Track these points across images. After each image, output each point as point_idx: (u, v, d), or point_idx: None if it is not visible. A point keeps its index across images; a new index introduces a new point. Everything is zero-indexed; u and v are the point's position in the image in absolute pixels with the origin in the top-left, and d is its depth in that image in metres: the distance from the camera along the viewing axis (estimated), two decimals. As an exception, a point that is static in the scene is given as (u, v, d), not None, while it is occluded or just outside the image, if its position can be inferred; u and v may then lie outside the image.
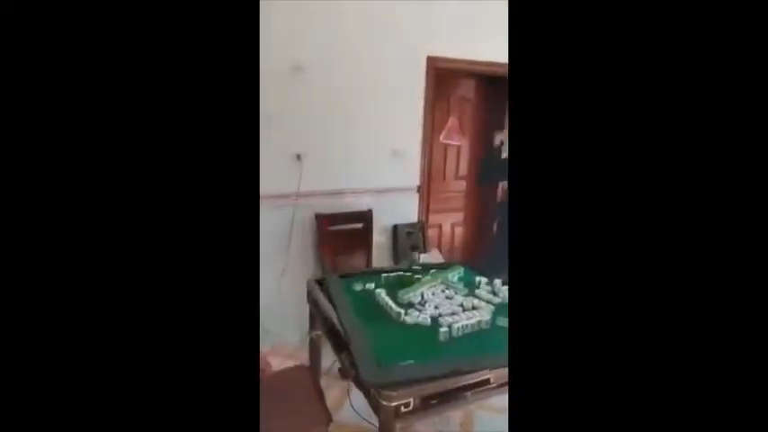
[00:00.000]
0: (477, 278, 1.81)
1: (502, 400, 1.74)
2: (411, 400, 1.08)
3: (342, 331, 1.36)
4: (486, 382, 1.20)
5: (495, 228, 2.29)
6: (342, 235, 2.47)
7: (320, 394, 1.40)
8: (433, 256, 2.78)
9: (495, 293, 1.68)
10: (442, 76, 2.89)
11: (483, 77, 3.20)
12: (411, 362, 1.19)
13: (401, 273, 1.90)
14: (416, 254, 2.77)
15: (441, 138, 3.21)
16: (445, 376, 1.14)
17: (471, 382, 1.18)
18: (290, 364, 1.69)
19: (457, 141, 3.30)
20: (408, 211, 2.92)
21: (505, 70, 3.00)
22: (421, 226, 2.95)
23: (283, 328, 2.49)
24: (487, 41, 2.87)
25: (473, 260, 3.64)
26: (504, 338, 1.37)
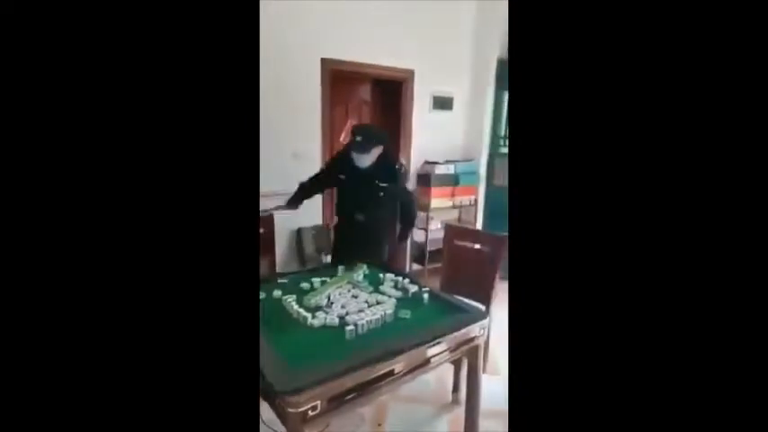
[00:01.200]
0: (382, 275, 1.87)
1: (409, 389, 1.83)
2: (318, 402, 1.08)
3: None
4: (391, 373, 1.25)
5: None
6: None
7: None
8: (339, 257, 2.79)
9: (398, 288, 1.75)
10: (339, 79, 2.92)
11: (378, 80, 3.31)
12: (319, 363, 1.19)
13: (306, 276, 1.87)
14: (323, 255, 2.76)
15: (341, 139, 3.24)
16: (353, 370, 1.16)
17: (377, 375, 1.21)
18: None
19: (357, 142, 3.36)
20: (312, 214, 2.90)
21: (396, 74, 3.15)
22: (326, 227, 2.94)
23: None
24: (381, 44, 2.98)
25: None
26: (405, 328, 1.45)
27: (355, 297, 1.65)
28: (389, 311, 1.50)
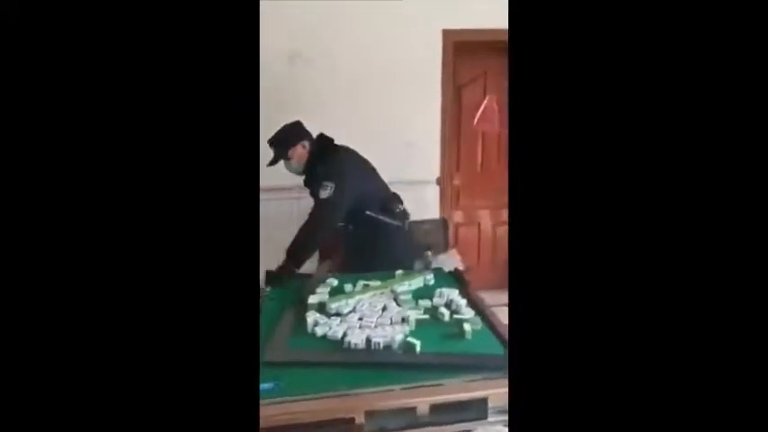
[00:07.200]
0: (441, 289, 1.48)
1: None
2: None
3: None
4: (351, 421, 0.96)
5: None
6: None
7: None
8: (450, 258, 2.46)
9: (451, 308, 1.37)
10: (465, 51, 2.52)
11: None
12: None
13: (355, 278, 1.65)
14: (429, 254, 2.48)
15: (474, 122, 2.82)
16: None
17: (334, 417, 0.95)
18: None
19: (496, 125, 2.86)
20: (426, 207, 2.64)
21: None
22: (443, 223, 2.64)
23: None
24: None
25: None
26: (406, 359, 1.09)
27: (384, 310, 1.37)
28: (399, 337, 1.17)
